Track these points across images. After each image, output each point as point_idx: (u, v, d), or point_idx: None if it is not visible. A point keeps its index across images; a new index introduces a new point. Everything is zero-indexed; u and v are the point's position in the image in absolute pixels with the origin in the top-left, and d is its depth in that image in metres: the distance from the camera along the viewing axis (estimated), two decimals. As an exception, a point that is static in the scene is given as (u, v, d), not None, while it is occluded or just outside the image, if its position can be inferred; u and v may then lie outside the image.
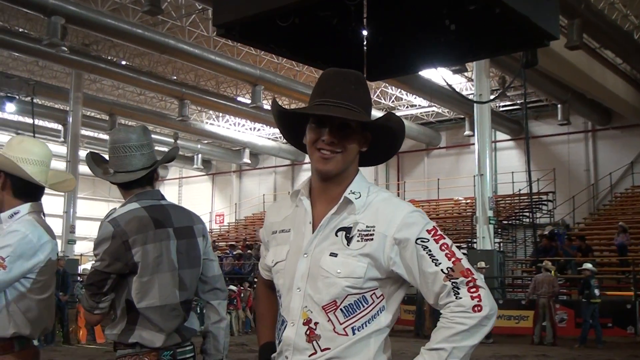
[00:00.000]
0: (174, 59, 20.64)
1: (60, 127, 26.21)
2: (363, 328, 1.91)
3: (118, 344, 2.82)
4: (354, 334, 1.90)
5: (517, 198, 25.17)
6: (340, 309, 1.91)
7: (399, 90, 25.67)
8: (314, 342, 1.92)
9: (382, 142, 2.05)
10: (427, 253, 1.86)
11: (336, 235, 1.95)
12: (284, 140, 32.58)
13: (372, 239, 1.90)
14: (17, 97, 20.98)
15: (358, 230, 1.93)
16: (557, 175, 25.04)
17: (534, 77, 18.16)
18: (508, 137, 27.07)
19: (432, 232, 1.89)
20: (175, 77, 25.10)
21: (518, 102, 26.20)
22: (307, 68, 24.19)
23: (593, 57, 18.87)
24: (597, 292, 14.64)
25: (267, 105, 25.87)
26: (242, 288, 18.18)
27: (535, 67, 13.23)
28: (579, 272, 16.03)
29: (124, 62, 23.29)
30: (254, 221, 32.41)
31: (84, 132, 26.60)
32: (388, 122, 2.00)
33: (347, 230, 1.94)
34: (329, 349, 1.90)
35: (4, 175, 2.94)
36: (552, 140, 26.42)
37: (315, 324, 1.92)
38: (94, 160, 3.09)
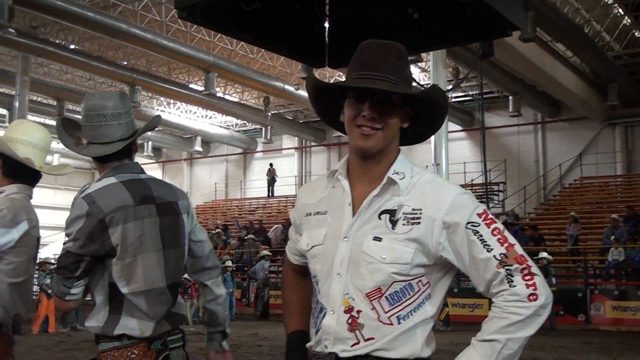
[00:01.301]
0: (125, 43, 20.25)
1: (5, 112, 25.56)
2: (409, 317, 1.80)
3: (101, 336, 2.52)
4: (399, 323, 1.79)
5: (470, 188, 25.49)
6: (385, 297, 1.79)
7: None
8: (357, 332, 1.80)
9: (425, 118, 1.92)
10: (478, 238, 1.75)
11: (379, 218, 1.83)
12: (236, 129, 32.59)
13: (419, 223, 1.79)
14: (-40, 80, 20.32)
15: (403, 213, 1.81)
16: (508, 166, 25.47)
17: (487, 68, 18.37)
18: (460, 127, 27.36)
19: (483, 216, 1.78)
20: (126, 63, 24.65)
21: (470, 93, 26.51)
22: (261, 55, 24.02)
23: (545, 49, 19.16)
24: (554, 280, 14.97)
25: (220, 93, 25.66)
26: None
27: (489, 59, 13.36)
28: (535, 262, 16.31)
29: (72, 46, 22.77)
30: (205, 209, 32.16)
31: (30, 117, 25.98)
32: (433, 94, 1.86)
33: (391, 212, 1.82)
34: (373, 338, 1.79)
35: None
36: (503, 132, 26.83)
37: (358, 312, 1.81)
38: (64, 127, 2.74)
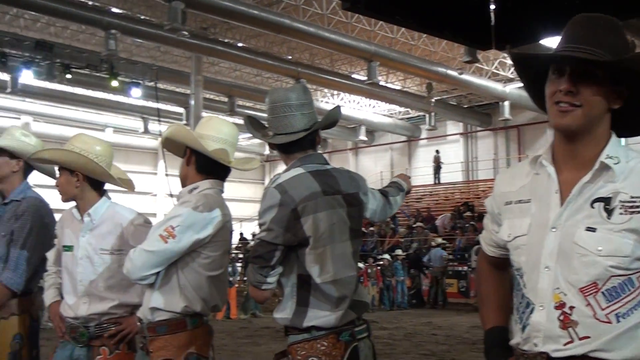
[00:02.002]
0: (289, 38, 20.75)
1: (182, 110, 27.07)
2: (629, 315, 1.65)
3: (290, 328, 2.59)
4: (618, 321, 1.65)
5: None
6: (602, 292, 1.66)
7: (520, 60, 24.68)
8: (570, 329, 1.68)
9: None
10: None
11: (592, 207, 1.69)
12: (400, 116, 32.46)
13: (639, 212, 1.64)
14: (142, 82, 21.76)
15: (620, 201, 1.67)
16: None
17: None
18: None
19: None
20: (290, 57, 25.29)
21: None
22: (422, 41, 23.75)
23: None
24: None
25: (382, 81, 25.68)
26: (367, 265, 18.27)
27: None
28: None
29: (240, 44, 23.69)
30: (371, 198, 32.32)
31: (204, 114, 27.36)
32: (634, 63, 1.68)
33: (606, 201, 1.68)
34: (588, 337, 1.66)
35: (190, 151, 2.98)
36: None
37: (571, 308, 1.68)
38: (251, 124, 2.92)
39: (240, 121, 30.21)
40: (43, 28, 23.89)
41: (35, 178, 3.92)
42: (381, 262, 19.47)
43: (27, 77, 20.87)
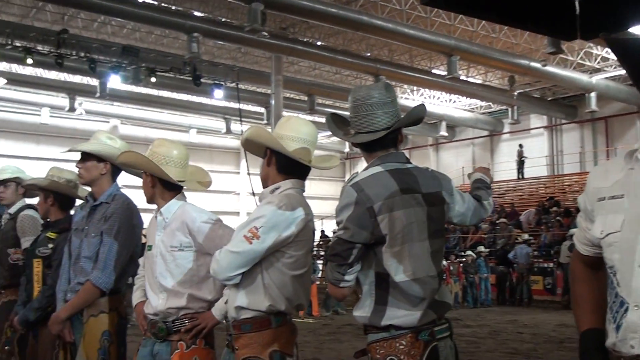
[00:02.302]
0: (368, 35, 20.73)
1: (263, 109, 27.44)
2: None
3: (369, 327, 2.61)
4: None
5: None
6: None
7: (605, 50, 23.89)
8: None
9: None
10: None
11: None
12: (481, 111, 31.89)
13: None
14: (224, 83, 22.18)
15: None
16: None
17: None
18: None
19: None
20: (369, 54, 25.24)
21: None
22: (504, 34, 23.27)
23: None
24: None
25: (463, 76, 25.31)
26: (449, 262, 18.08)
27: None
28: None
29: (319, 43, 23.80)
30: (453, 194, 31.90)
31: (285, 113, 27.66)
32: None
33: None
34: None
35: (270, 152, 3.04)
36: None
37: None
38: (334, 121, 2.93)
39: (320, 119, 30.46)
40: (129, 34, 24.67)
41: (129, 179, 4.08)
42: (464, 259, 19.23)
43: (114, 81, 21.63)
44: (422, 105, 2.91)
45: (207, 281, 3.27)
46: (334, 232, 2.69)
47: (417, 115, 2.83)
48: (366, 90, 2.75)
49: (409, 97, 31.01)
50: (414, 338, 2.51)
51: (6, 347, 4.68)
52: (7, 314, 4.72)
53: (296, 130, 3.05)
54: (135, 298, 3.55)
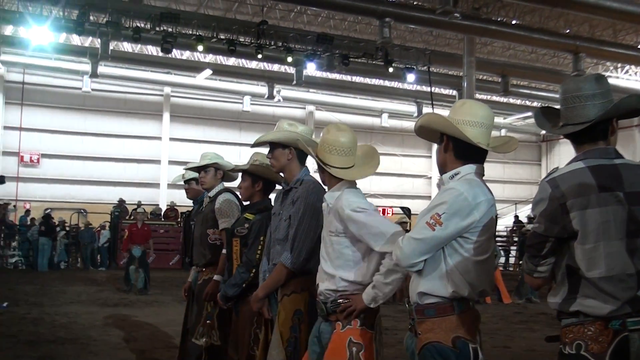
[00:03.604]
0: (567, 10, 19.74)
1: (454, 92, 27.07)
2: None
3: (561, 312, 2.63)
4: None
5: None
6: None
7: None
8: None
9: None
10: None
11: None
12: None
13: None
14: (415, 67, 22.18)
15: None
16: None
17: None
18: None
19: None
20: (568, 31, 24.03)
21: None
22: None
23: None
24: None
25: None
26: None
27: None
28: None
29: (514, 22, 23.04)
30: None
31: (478, 96, 27.10)
32: None
33: None
34: None
35: (447, 137, 3.06)
36: None
37: None
38: (543, 114, 2.92)
39: (514, 101, 29.40)
40: (323, 22, 25.42)
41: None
42: None
43: (310, 69, 22.40)
44: (634, 96, 2.77)
45: (360, 265, 3.44)
46: (529, 218, 2.68)
47: (630, 107, 2.72)
48: (575, 82, 2.72)
49: (612, 75, 29.10)
50: (602, 326, 2.49)
51: (207, 322, 5.12)
52: None
53: (472, 114, 3.02)
54: None
